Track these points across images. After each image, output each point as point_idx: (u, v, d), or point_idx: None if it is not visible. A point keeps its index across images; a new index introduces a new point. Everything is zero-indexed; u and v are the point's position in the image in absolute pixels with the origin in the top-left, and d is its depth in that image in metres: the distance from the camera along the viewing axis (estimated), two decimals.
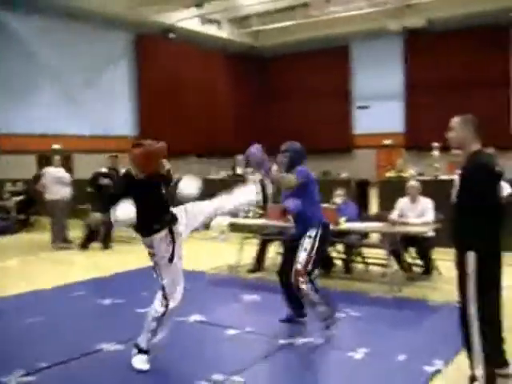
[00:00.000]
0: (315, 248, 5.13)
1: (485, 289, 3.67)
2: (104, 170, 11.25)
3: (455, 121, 3.85)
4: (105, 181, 10.88)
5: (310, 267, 5.10)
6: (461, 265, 3.73)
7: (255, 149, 4.91)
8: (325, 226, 5.29)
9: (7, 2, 18.25)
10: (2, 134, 18.22)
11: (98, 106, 21.12)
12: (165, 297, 4.44)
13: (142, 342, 4.51)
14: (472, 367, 3.75)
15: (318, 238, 5.16)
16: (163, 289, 4.45)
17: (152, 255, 4.48)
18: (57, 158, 11.31)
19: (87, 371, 4.54)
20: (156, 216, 4.43)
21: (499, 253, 3.77)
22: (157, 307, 4.46)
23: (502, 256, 3.77)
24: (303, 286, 5.04)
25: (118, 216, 4.30)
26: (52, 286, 7.33)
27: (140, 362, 4.48)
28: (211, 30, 25.05)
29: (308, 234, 5.18)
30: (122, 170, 14.80)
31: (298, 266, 5.09)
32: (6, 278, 8.07)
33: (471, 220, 3.70)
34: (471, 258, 3.66)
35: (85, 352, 4.86)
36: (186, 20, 23.28)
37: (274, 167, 5.15)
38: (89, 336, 5.34)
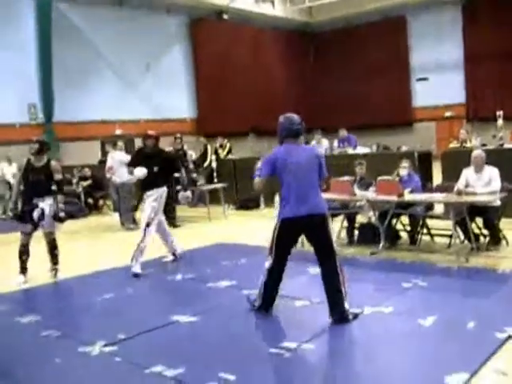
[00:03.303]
0: (274, 240, 4.94)
1: None
2: (170, 148, 11.63)
3: None
4: None
5: (269, 254, 4.99)
6: None
7: None
8: (283, 222, 4.88)
9: None
10: (67, 122, 18.82)
11: (157, 90, 21.51)
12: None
13: None
14: None
15: (275, 233, 4.94)
16: None
17: None
18: (120, 142, 11.67)
19: (165, 340, 4.75)
20: None
21: None
22: None
23: None
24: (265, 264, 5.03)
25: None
26: (123, 264, 7.47)
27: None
28: (264, 9, 25.03)
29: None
30: (188, 151, 15.14)
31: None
32: (79, 257, 8.42)
33: None
34: None
35: (161, 324, 5.07)
36: (240, 0, 23.37)
37: None
38: (164, 309, 5.59)
